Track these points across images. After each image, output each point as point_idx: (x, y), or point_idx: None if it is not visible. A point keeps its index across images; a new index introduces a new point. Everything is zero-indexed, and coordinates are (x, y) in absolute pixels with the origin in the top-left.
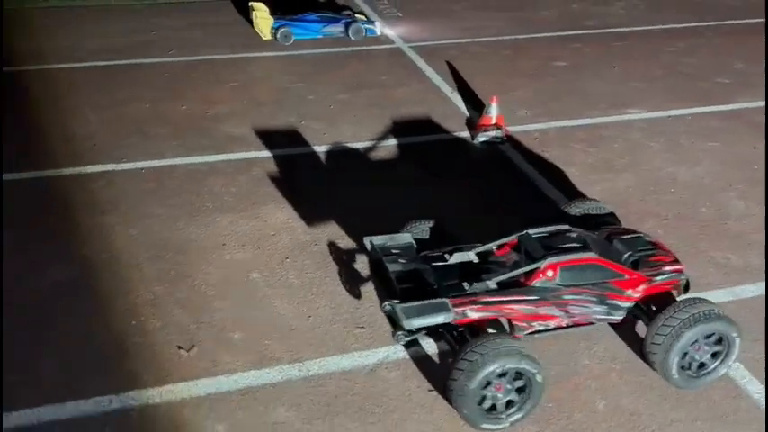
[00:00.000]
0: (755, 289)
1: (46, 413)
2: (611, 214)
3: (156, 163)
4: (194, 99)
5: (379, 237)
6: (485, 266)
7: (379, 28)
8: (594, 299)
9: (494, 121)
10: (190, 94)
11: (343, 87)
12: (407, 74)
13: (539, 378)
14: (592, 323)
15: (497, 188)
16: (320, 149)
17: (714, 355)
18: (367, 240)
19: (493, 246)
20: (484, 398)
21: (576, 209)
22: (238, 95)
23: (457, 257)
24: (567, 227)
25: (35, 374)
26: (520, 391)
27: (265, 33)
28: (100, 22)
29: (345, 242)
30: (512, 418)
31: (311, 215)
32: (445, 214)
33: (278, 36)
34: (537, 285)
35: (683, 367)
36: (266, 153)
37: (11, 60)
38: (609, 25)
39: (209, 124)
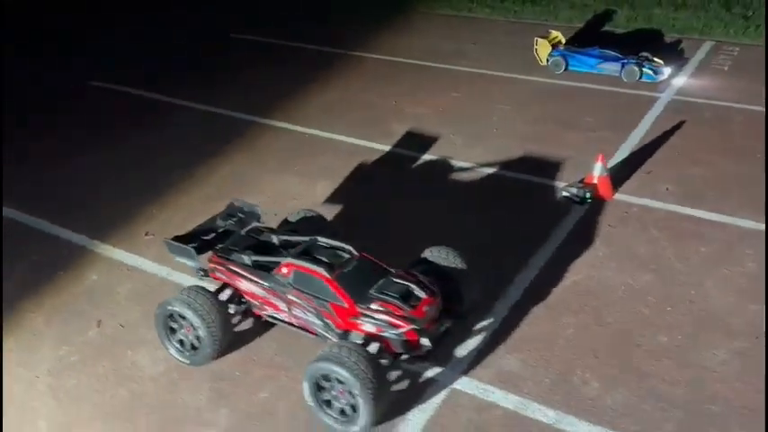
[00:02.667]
0: None
1: None
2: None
3: (311, 131)
4: (416, 100)
5: (245, 202)
6: (273, 249)
7: (666, 74)
8: (312, 310)
9: (594, 180)
10: (420, 95)
11: (537, 118)
12: (615, 122)
13: None
14: (315, 333)
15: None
16: (428, 157)
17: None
18: (235, 199)
19: (294, 239)
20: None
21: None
22: (446, 104)
23: (260, 234)
24: (349, 248)
25: None
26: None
27: (541, 59)
28: (461, 29)
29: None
30: None
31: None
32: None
33: (549, 63)
34: (275, 276)
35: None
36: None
37: (378, 48)
38: None
39: (391, 118)
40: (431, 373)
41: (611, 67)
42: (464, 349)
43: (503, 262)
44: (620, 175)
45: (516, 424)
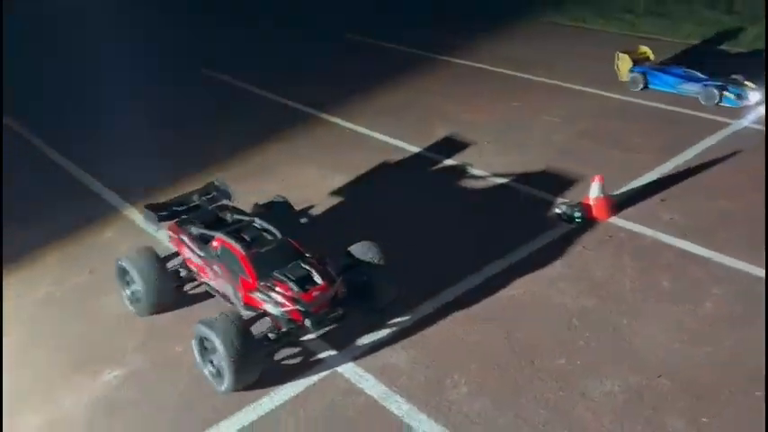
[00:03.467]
0: None
1: None
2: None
3: (356, 127)
4: (473, 106)
5: (223, 182)
6: (224, 226)
7: (753, 100)
8: (229, 282)
9: (590, 201)
10: (480, 102)
11: (583, 134)
12: (665, 145)
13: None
14: (231, 302)
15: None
16: (450, 162)
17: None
18: (216, 179)
19: (243, 218)
20: None
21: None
22: (501, 113)
23: (222, 211)
24: (276, 233)
25: None
26: None
27: (622, 75)
28: (567, 40)
29: None
30: None
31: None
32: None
33: (628, 80)
34: (209, 249)
35: None
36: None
37: (468, 54)
38: None
39: (437, 122)
40: (324, 354)
41: (692, 89)
42: (367, 339)
43: (457, 266)
44: (632, 198)
45: (369, 411)
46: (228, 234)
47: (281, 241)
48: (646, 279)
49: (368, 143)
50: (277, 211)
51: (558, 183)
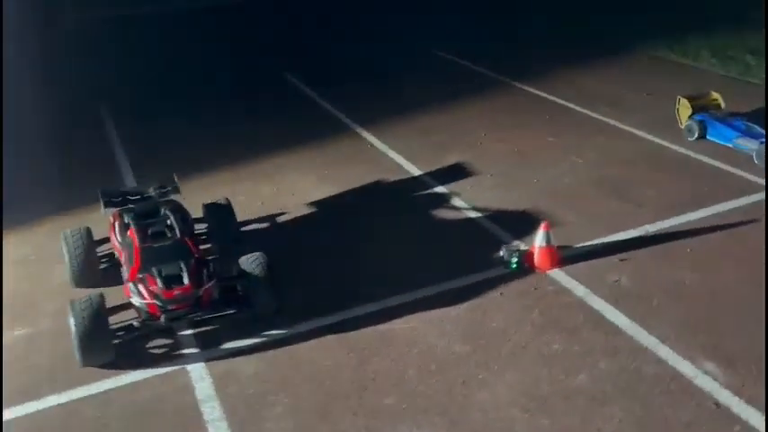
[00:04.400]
0: None
1: None
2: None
3: (378, 143)
4: (505, 137)
5: (176, 179)
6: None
7: None
8: (126, 269)
9: (534, 250)
10: (516, 132)
11: (596, 180)
12: (676, 202)
13: None
14: None
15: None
16: (440, 189)
17: None
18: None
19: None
20: None
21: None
22: (529, 145)
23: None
24: (178, 231)
25: None
26: None
27: (681, 121)
28: (663, 77)
29: None
30: None
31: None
32: None
33: (684, 127)
34: (126, 237)
35: None
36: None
37: (539, 83)
38: None
39: (457, 148)
40: (188, 350)
41: (749, 144)
42: (232, 344)
43: (366, 291)
44: (593, 253)
45: (185, 412)
46: (137, 226)
47: (176, 240)
48: (538, 338)
49: (378, 160)
50: (215, 212)
51: (527, 226)
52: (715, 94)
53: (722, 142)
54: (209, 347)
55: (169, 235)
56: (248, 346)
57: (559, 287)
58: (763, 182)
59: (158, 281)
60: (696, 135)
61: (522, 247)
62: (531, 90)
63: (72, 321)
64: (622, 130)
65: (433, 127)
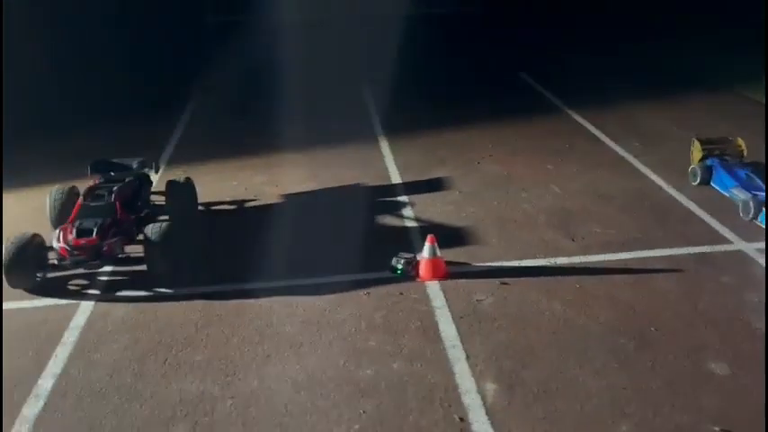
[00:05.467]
0: None
1: None
2: None
3: (388, 153)
4: (508, 158)
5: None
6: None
7: None
8: None
9: (419, 259)
10: (524, 155)
11: (558, 213)
12: (623, 237)
13: None
14: None
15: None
16: (402, 198)
17: None
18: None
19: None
20: None
21: None
22: (519, 171)
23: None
24: (111, 195)
25: None
26: None
27: (693, 161)
28: (707, 116)
29: None
30: None
31: None
32: None
33: (689, 170)
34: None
35: None
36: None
37: (594, 114)
38: None
39: (452, 166)
40: (90, 290)
41: (741, 195)
42: (126, 293)
43: (257, 275)
44: (483, 273)
45: (49, 338)
46: (89, 189)
47: (107, 203)
48: (363, 333)
49: (372, 164)
50: (174, 188)
51: (443, 240)
52: (740, 141)
53: (721, 190)
54: (106, 292)
55: (105, 198)
56: (134, 296)
57: (423, 296)
58: (730, 235)
59: (73, 231)
60: (699, 179)
61: (417, 257)
62: (577, 117)
63: (3, 250)
64: (630, 165)
65: (445, 143)
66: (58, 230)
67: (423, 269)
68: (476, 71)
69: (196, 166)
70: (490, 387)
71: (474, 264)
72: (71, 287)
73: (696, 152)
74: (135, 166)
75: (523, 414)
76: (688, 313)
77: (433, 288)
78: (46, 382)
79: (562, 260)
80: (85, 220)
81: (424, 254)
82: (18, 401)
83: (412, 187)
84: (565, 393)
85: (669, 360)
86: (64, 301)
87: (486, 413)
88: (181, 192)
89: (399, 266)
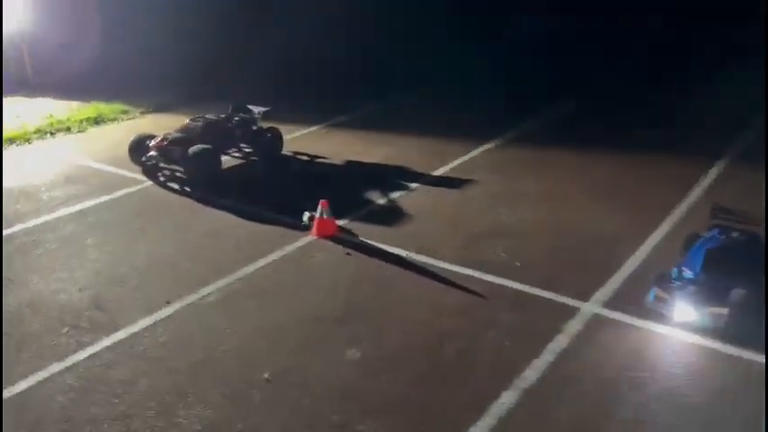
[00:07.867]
0: None
1: None
2: None
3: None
4: (502, 181)
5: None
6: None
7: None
8: None
9: (316, 216)
10: (532, 179)
11: (480, 235)
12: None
13: None
14: None
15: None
16: (380, 202)
17: None
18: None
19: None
20: None
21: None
22: (504, 195)
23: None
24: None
25: None
26: None
27: None
28: None
29: None
30: None
31: None
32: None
33: None
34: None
35: None
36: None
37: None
38: None
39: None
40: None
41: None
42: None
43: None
44: (356, 244)
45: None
46: (194, 119)
47: (205, 122)
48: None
49: (407, 153)
50: (246, 112)
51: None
52: None
53: None
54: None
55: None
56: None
57: (297, 250)
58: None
59: (167, 138)
60: None
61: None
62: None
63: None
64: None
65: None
66: (160, 138)
67: (316, 226)
68: None
69: None
70: None
71: (360, 237)
72: (160, 177)
73: None
74: (257, 113)
75: None
76: None
77: (318, 243)
78: None
79: (415, 256)
80: (172, 134)
81: (317, 213)
82: None
83: (392, 186)
84: None
85: None
86: (144, 183)
87: None
88: (250, 118)
89: (306, 219)
